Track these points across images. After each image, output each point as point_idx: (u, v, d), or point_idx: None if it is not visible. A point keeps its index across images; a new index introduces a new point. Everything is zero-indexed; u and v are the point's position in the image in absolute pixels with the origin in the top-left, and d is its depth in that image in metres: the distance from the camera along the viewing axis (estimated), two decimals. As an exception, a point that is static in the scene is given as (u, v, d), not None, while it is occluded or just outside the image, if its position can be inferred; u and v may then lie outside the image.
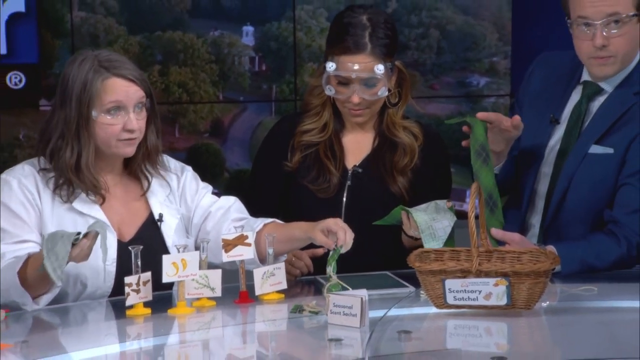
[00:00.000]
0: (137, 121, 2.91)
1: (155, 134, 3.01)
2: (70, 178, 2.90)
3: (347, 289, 2.72)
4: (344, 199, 3.26)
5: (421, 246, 3.00)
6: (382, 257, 3.24)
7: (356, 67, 3.16)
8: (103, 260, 2.77)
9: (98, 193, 2.94)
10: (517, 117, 3.08)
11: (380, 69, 3.16)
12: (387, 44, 3.19)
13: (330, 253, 2.83)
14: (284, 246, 2.95)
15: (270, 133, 3.41)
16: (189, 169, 3.14)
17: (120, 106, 2.89)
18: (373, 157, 3.30)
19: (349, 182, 3.28)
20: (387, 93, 3.21)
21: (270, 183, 3.33)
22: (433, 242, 2.99)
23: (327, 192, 3.26)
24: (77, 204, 2.93)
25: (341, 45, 3.17)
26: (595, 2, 3.03)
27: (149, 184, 3.03)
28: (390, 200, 3.22)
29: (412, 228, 3.05)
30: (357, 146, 3.32)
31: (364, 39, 3.16)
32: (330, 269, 2.81)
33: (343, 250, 2.84)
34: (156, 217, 3.02)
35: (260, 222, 3.01)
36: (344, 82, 3.19)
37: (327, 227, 2.86)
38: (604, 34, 3.05)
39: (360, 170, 3.29)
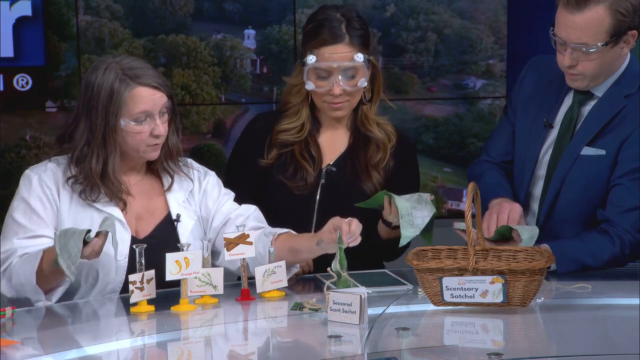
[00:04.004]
0: (162, 126, 2.96)
1: (176, 134, 3.06)
2: (97, 184, 2.95)
3: (357, 286, 2.73)
4: (318, 197, 3.31)
5: (398, 237, 3.05)
6: (356, 252, 3.27)
7: (336, 56, 3.21)
8: (115, 256, 2.85)
9: (120, 199, 2.99)
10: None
11: (359, 57, 3.21)
12: (363, 35, 3.24)
13: (337, 252, 2.81)
14: (288, 256, 2.97)
15: (246, 130, 3.45)
16: (212, 174, 3.18)
17: (148, 114, 2.94)
18: (348, 154, 3.34)
19: (322, 181, 3.32)
20: (366, 84, 3.25)
21: (247, 179, 3.36)
22: (410, 230, 3.03)
23: (303, 190, 3.30)
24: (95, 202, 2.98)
25: (319, 38, 3.22)
26: (568, 28, 3.05)
27: (172, 181, 3.08)
28: (363, 198, 3.25)
29: (392, 214, 3.10)
30: (332, 145, 3.37)
31: (341, 30, 3.22)
32: (338, 266, 2.79)
33: (353, 243, 2.83)
34: (174, 217, 3.07)
35: (275, 232, 3.02)
36: (324, 75, 3.23)
37: (333, 225, 2.87)
38: (573, 55, 3.08)
39: (334, 169, 3.34)
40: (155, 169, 3.09)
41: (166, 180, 3.09)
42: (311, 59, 3.22)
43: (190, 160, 3.17)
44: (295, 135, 3.33)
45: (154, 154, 3.01)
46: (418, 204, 3.08)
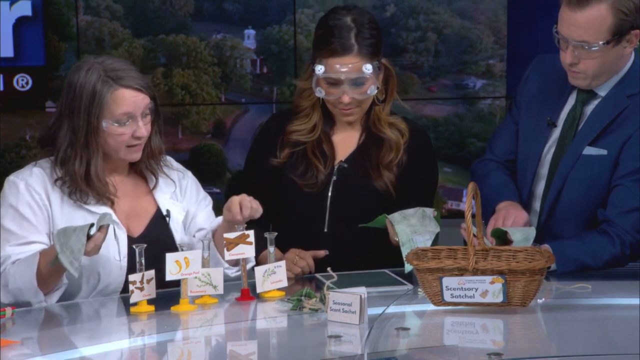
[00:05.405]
0: (144, 128, 2.96)
1: (159, 135, 3.05)
2: (81, 186, 2.95)
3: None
4: (329, 194, 3.30)
5: None
6: (367, 249, 3.27)
7: (344, 68, 3.19)
8: (117, 254, 2.87)
9: (108, 199, 2.99)
10: None
11: (368, 68, 3.19)
12: (373, 43, 3.22)
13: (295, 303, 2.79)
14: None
15: (260, 131, 3.46)
16: (190, 174, 3.19)
17: (130, 116, 2.93)
18: (359, 152, 3.34)
19: (334, 177, 3.32)
20: (376, 91, 3.24)
21: (259, 178, 3.36)
22: None
23: (314, 188, 3.30)
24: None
25: (328, 48, 3.20)
26: (570, 26, 3.06)
27: (156, 181, 3.08)
28: (375, 194, 3.27)
29: (395, 235, 3.09)
30: (345, 142, 3.36)
31: (350, 40, 3.19)
32: (314, 302, 2.75)
33: (256, 215, 2.90)
34: (164, 212, 3.07)
35: (214, 223, 3.06)
36: (334, 83, 3.22)
37: (226, 206, 2.94)
38: (575, 53, 3.09)
39: (345, 165, 3.33)
40: (139, 170, 3.09)
41: (151, 180, 3.09)
42: (320, 68, 3.21)
43: (169, 159, 3.16)
44: (307, 135, 3.33)
45: (135, 156, 3.00)
46: (421, 223, 3.06)
